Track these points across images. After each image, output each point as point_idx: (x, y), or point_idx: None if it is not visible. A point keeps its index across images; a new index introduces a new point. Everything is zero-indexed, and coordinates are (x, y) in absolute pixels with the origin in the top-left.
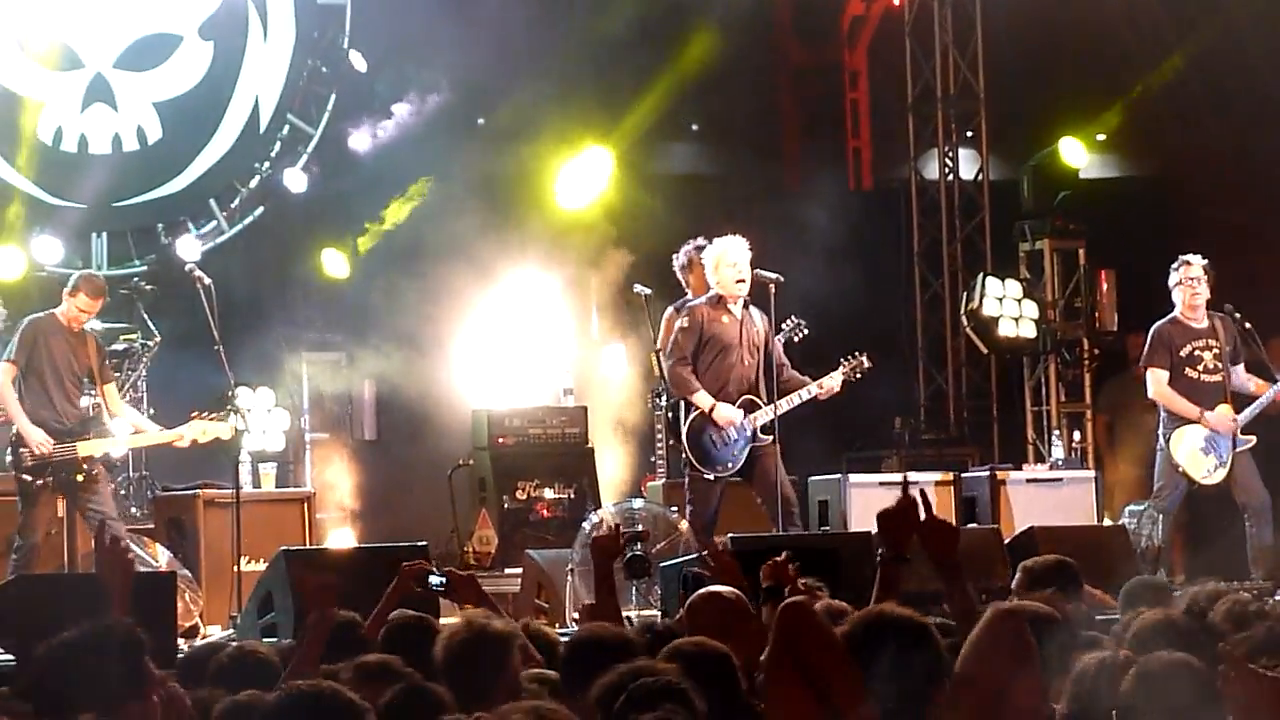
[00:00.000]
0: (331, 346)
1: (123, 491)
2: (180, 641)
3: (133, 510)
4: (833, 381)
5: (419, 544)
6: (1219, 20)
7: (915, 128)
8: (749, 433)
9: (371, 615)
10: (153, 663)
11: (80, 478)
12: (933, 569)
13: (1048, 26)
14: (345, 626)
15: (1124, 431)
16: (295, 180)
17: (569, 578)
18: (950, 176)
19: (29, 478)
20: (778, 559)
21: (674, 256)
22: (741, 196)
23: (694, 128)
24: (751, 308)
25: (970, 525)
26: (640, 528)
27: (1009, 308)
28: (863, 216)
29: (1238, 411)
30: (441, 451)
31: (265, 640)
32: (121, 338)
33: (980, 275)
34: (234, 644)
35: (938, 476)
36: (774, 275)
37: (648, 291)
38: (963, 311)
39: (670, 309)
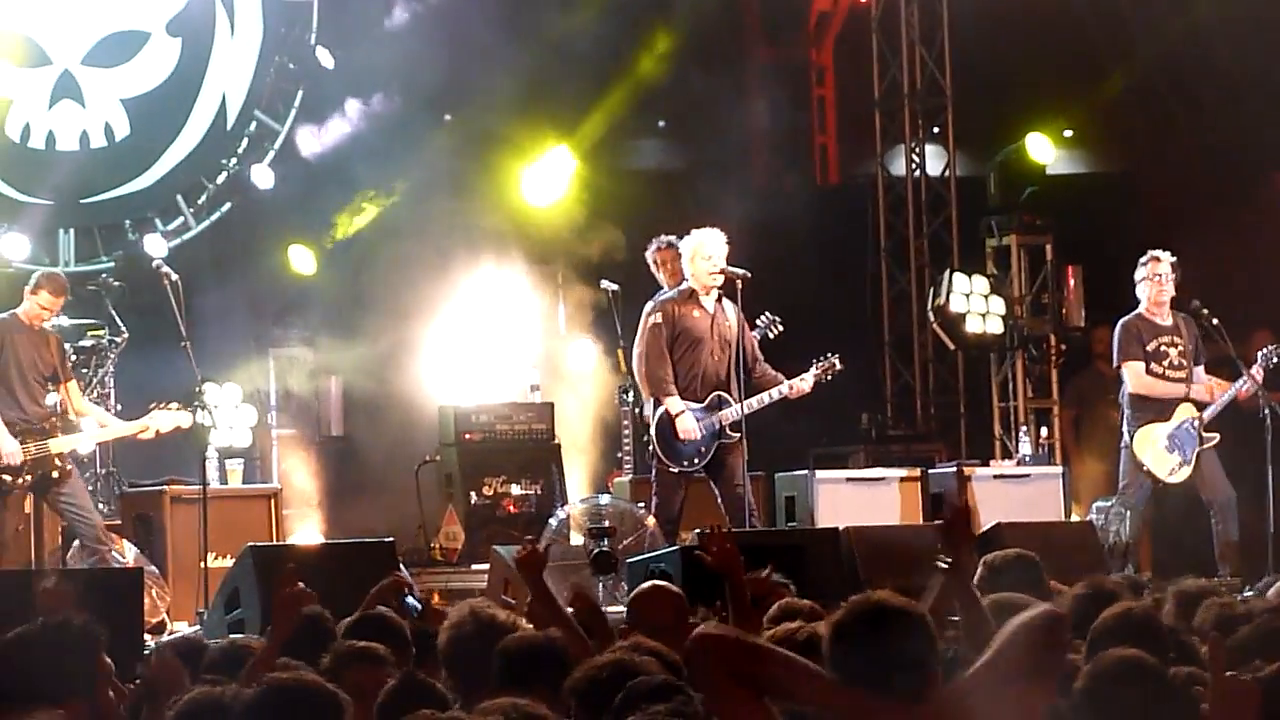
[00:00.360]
0: (298, 342)
1: (90, 488)
2: (147, 638)
3: (100, 507)
4: (803, 383)
5: (386, 540)
6: (1186, 16)
7: (882, 124)
8: (717, 428)
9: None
10: (115, 658)
11: (55, 474)
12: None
13: (1014, 23)
14: (312, 621)
15: (1091, 427)
16: (262, 177)
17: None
18: (917, 172)
19: (8, 478)
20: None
21: (647, 252)
22: (708, 192)
23: (661, 124)
24: (724, 301)
25: (937, 521)
26: (607, 524)
27: (976, 303)
28: (829, 212)
29: (1199, 410)
30: (408, 447)
31: (233, 636)
32: (89, 334)
33: (947, 271)
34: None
35: (904, 472)
36: (741, 271)
37: (614, 287)
38: (930, 307)
39: (650, 304)
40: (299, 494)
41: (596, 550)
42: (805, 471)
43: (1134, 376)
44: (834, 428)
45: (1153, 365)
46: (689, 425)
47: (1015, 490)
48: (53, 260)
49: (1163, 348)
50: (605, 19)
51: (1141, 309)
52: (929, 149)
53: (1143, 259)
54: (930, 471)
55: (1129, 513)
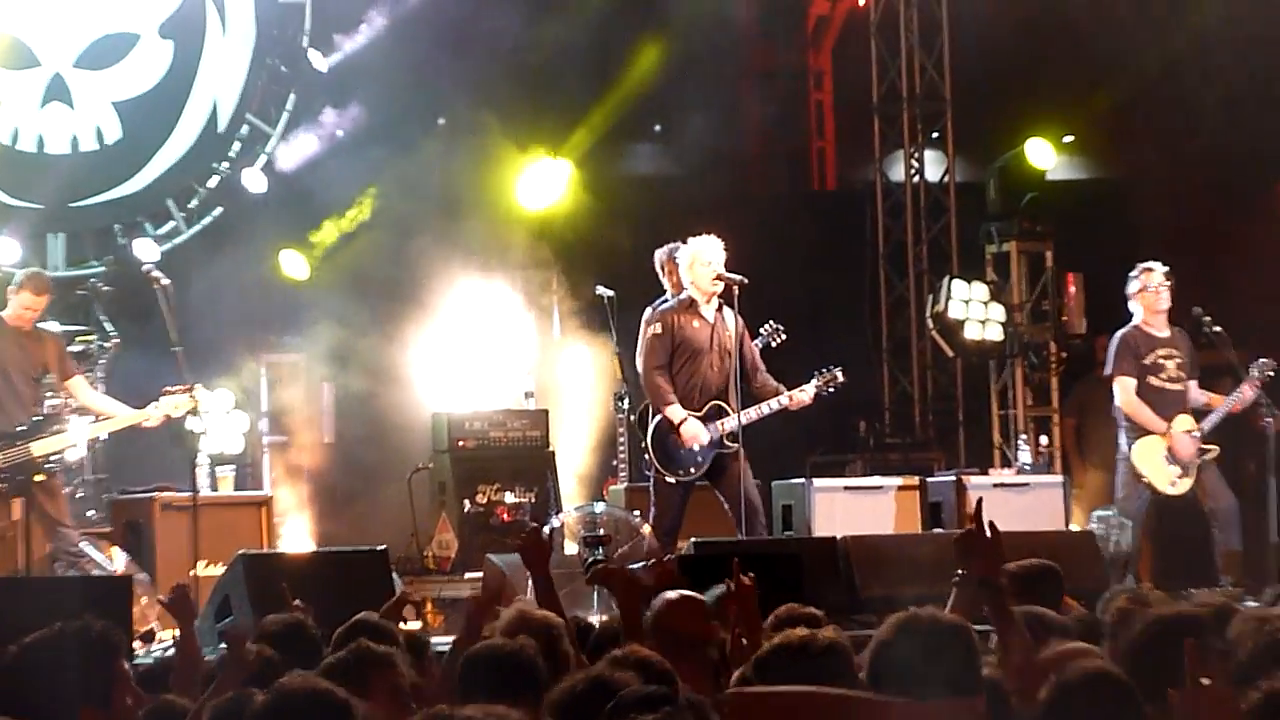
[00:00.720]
0: (290, 348)
1: (80, 494)
2: (136, 645)
3: (89, 513)
4: (804, 395)
5: (378, 548)
6: (1188, 22)
7: (880, 129)
8: (716, 437)
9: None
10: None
11: (39, 477)
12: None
13: (1015, 27)
14: (294, 628)
15: (1093, 436)
16: (254, 181)
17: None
18: (916, 178)
19: None
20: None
21: (655, 255)
22: (705, 198)
23: (657, 129)
24: (725, 310)
25: (936, 530)
26: (602, 532)
27: (975, 310)
28: (827, 218)
29: (1198, 419)
30: (401, 454)
31: (222, 646)
32: (79, 339)
33: (946, 278)
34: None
35: (901, 481)
36: (738, 277)
37: (610, 293)
38: (928, 314)
39: (649, 310)
40: (290, 502)
41: (591, 559)
42: (802, 480)
43: (1122, 392)
44: (831, 436)
45: (1150, 378)
46: (693, 430)
47: (1015, 499)
48: (42, 265)
49: (1160, 360)
50: (601, 22)
51: (1138, 320)
52: (928, 154)
53: (1134, 271)
54: (928, 480)
55: (1129, 523)
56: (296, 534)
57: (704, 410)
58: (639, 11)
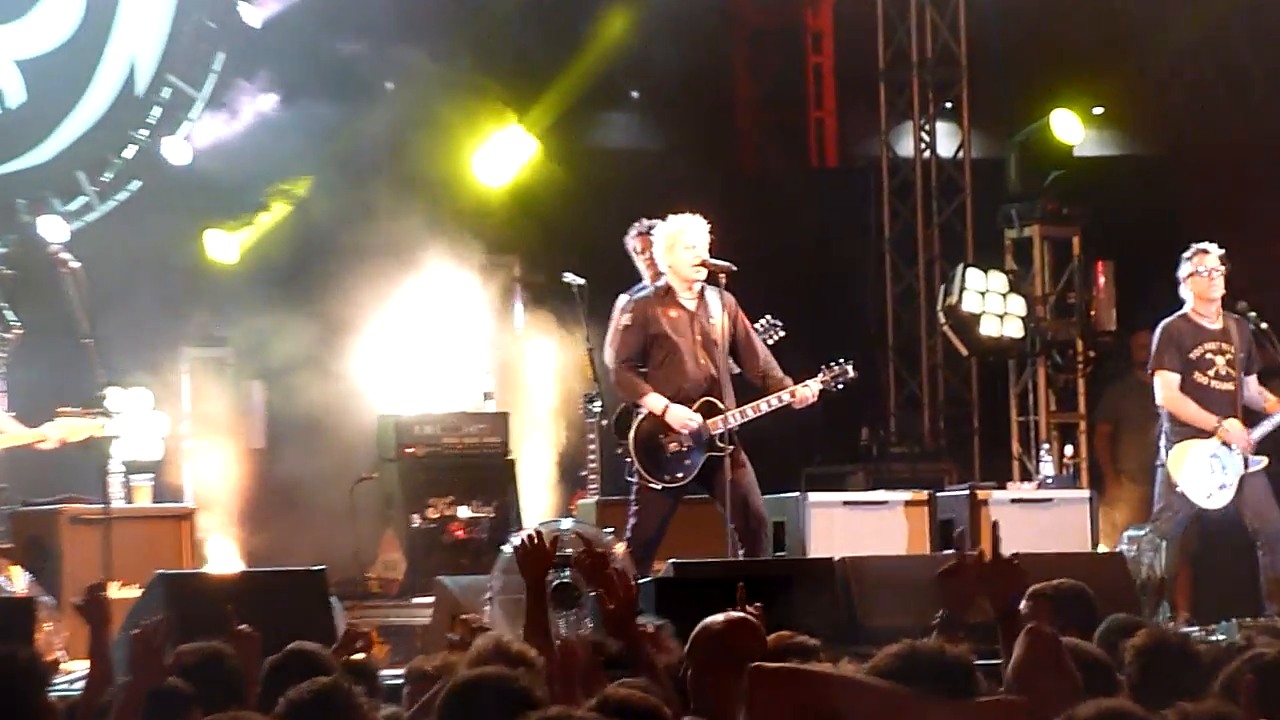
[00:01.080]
0: (217, 341)
1: None
2: None
3: None
4: (808, 390)
5: (315, 569)
6: None
7: (887, 98)
8: (705, 438)
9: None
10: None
11: None
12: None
13: None
14: (213, 658)
15: (1129, 444)
16: (176, 151)
17: (487, 608)
18: (927, 153)
19: None
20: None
21: (626, 238)
22: (688, 174)
23: (634, 95)
24: (707, 294)
25: (947, 552)
26: (569, 552)
27: (993, 303)
28: (827, 198)
29: (1248, 427)
30: (342, 463)
31: None
32: None
33: (960, 266)
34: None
35: (909, 495)
36: (724, 264)
37: (580, 281)
38: (940, 307)
39: (624, 297)
40: (216, 515)
41: (557, 581)
42: (796, 494)
43: (1164, 388)
44: (829, 444)
45: (1195, 374)
46: (682, 415)
47: (1036, 517)
48: None
49: (1208, 355)
50: None
51: (1187, 309)
52: (940, 127)
53: (1187, 253)
54: (939, 495)
55: (1165, 543)
56: (222, 552)
57: (695, 409)
58: None
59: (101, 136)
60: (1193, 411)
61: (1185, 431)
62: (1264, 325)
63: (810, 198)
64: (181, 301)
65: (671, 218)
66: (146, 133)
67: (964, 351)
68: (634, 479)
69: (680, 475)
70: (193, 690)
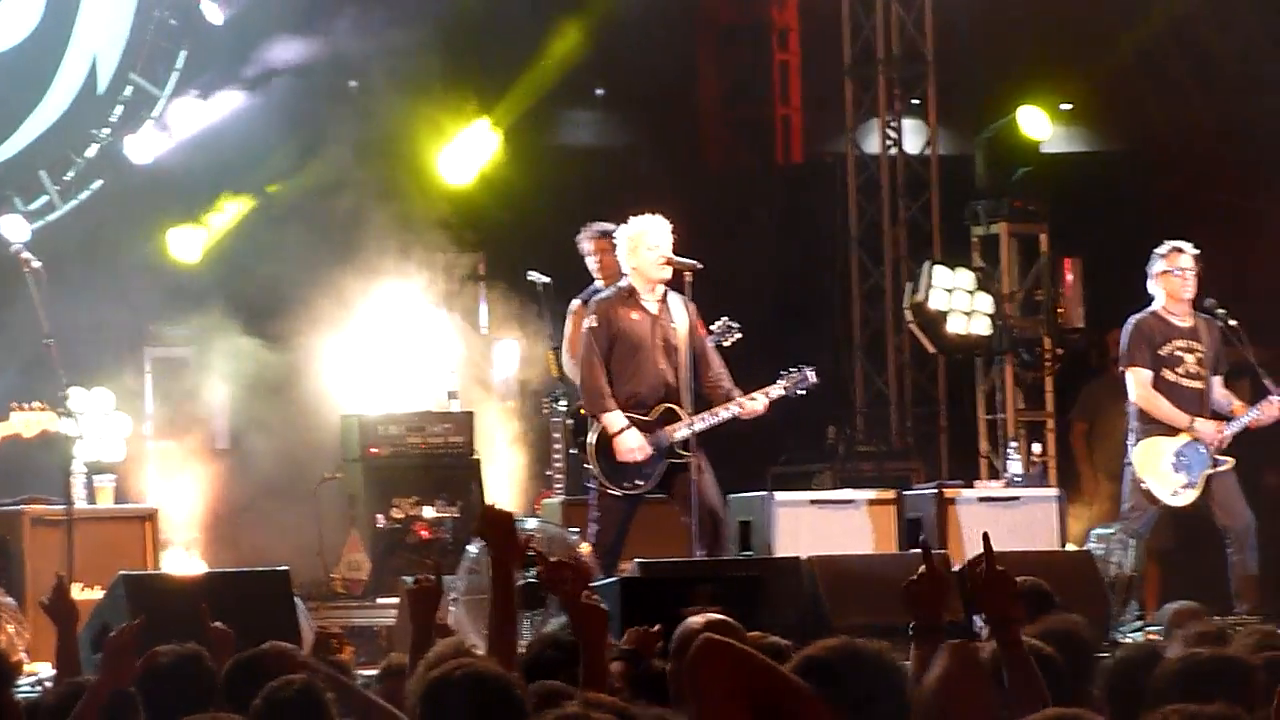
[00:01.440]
0: (179, 341)
1: None
2: None
3: None
4: (755, 403)
5: (279, 569)
6: None
7: (853, 94)
8: (665, 445)
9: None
10: None
11: None
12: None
13: None
14: (189, 660)
15: (1105, 442)
16: (139, 150)
17: (452, 608)
18: (893, 150)
19: None
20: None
21: (577, 240)
22: (654, 171)
23: (599, 92)
24: (672, 297)
25: (914, 550)
26: (534, 552)
27: (959, 301)
28: (792, 195)
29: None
30: (305, 463)
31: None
32: None
33: (927, 263)
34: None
35: (875, 494)
36: (690, 262)
37: (545, 280)
38: (906, 305)
39: (576, 301)
40: (179, 516)
41: (522, 582)
42: (762, 493)
43: (1137, 386)
44: (796, 442)
45: (1165, 372)
46: (630, 443)
47: (1004, 515)
48: None
49: (1178, 352)
50: None
51: (1157, 306)
52: (907, 123)
53: (1160, 249)
54: (906, 493)
55: (1133, 541)
56: (185, 553)
57: (654, 414)
58: None
59: (63, 135)
60: (1165, 409)
61: (1152, 429)
62: (1233, 322)
63: (776, 195)
64: (144, 301)
65: (633, 219)
66: (108, 131)
67: (931, 349)
68: (593, 485)
69: (640, 483)
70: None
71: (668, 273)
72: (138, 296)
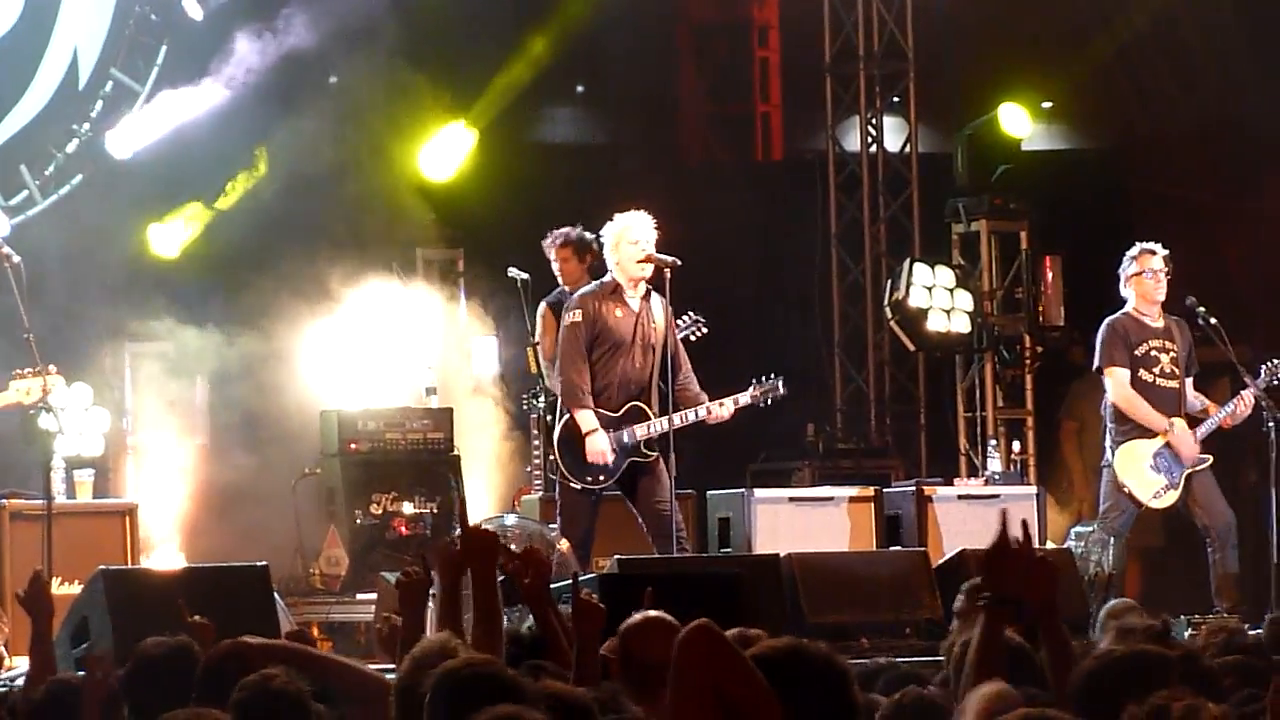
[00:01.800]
0: (159, 336)
1: None
2: None
3: None
4: (722, 410)
5: (258, 564)
6: None
7: (833, 91)
8: (630, 444)
9: None
10: None
11: None
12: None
13: None
14: (179, 652)
15: (1095, 441)
16: (119, 144)
17: (431, 605)
18: (873, 147)
19: None
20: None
21: (543, 244)
22: (633, 168)
23: (579, 89)
24: (654, 297)
25: (893, 548)
26: (514, 547)
27: (939, 298)
28: (772, 192)
29: (1191, 427)
30: (284, 458)
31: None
32: None
33: (907, 261)
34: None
35: (855, 492)
36: (669, 259)
37: (524, 276)
38: (886, 303)
39: (543, 304)
40: (158, 511)
41: (501, 577)
42: (741, 490)
43: (1116, 386)
44: (775, 440)
45: (1141, 372)
46: (598, 447)
47: (983, 513)
48: None
49: (1153, 352)
50: None
51: (1129, 308)
52: (887, 121)
53: (1131, 252)
54: (885, 491)
55: (1112, 539)
56: (164, 548)
57: (622, 411)
58: None
59: (44, 130)
60: (1144, 410)
61: (1130, 431)
62: (1213, 320)
63: (756, 192)
64: (123, 296)
65: (617, 216)
66: (89, 126)
67: (911, 347)
68: (555, 477)
69: (602, 478)
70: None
71: (647, 270)
72: (118, 291)
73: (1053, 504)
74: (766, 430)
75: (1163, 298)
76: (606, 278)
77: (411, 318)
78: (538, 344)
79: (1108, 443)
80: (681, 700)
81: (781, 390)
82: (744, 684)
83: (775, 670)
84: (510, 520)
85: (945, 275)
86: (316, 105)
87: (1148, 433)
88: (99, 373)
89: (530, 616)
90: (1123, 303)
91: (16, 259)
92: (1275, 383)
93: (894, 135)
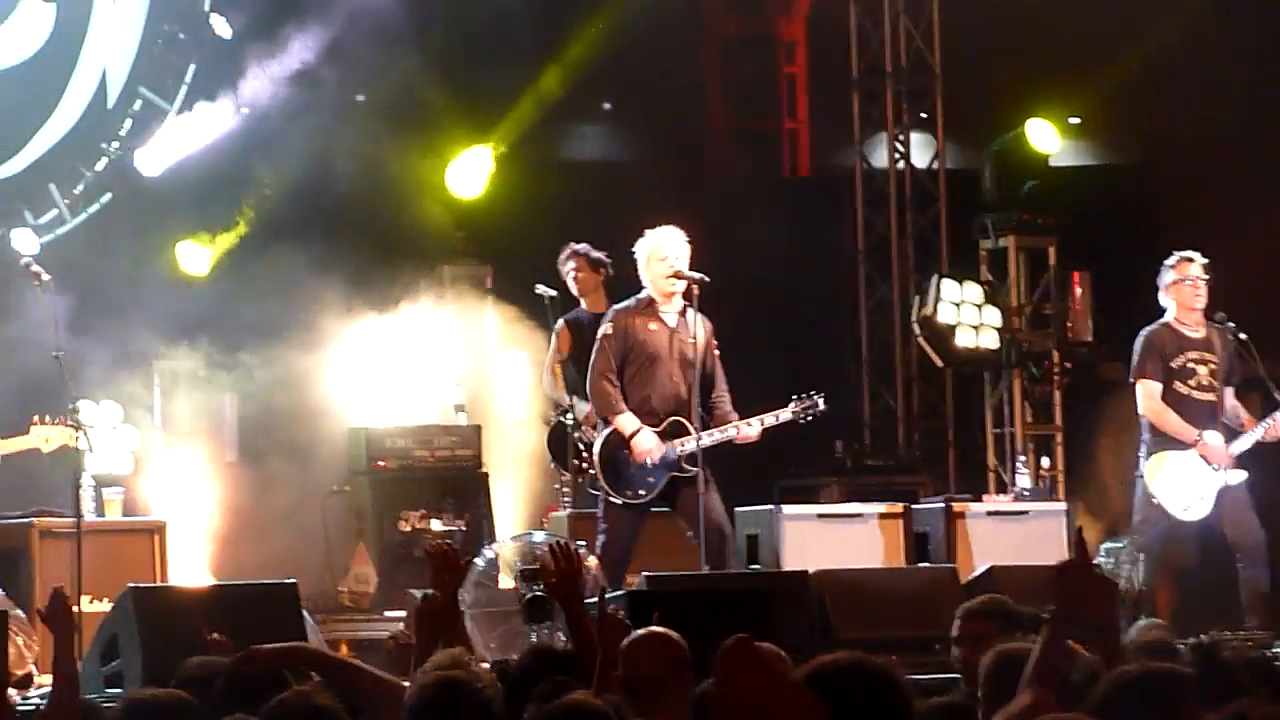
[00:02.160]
0: (188, 354)
1: None
2: (12, 693)
3: None
4: (751, 430)
5: (287, 581)
6: None
7: (861, 107)
8: (673, 458)
9: None
10: None
11: None
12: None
13: None
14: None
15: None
16: (148, 163)
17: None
18: (901, 164)
19: None
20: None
21: (558, 262)
22: (660, 185)
23: (606, 106)
24: (689, 313)
25: (922, 565)
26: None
27: (968, 314)
28: (800, 209)
29: (1226, 440)
30: (313, 475)
31: (109, 691)
32: None
33: (935, 277)
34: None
35: (883, 508)
36: (697, 276)
37: (552, 293)
38: (914, 319)
39: (560, 322)
40: (187, 528)
41: (529, 595)
42: (769, 506)
43: (1146, 398)
44: (803, 456)
45: (1176, 384)
46: (646, 443)
47: (1012, 529)
48: None
49: (1190, 364)
50: None
51: (1168, 318)
52: (915, 137)
53: (1169, 260)
54: (914, 508)
55: (1143, 555)
56: (193, 566)
57: (663, 426)
58: None
59: (73, 148)
60: (1174, 423)
61: (1163, 442)
62: (1243, 336)
63: (783, 209)
64: (153, 314)
65: (649, 231)
66: (118, 145)
67: (939, 363)
68: (598, 493)
69: (643, 492)
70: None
71: (677, 286)
72: (147, 310)
73: (1084, 515)
74: (795, 446)
75: (1203, 305)
76: (642, 293)
77: (440, 335)
78: (563, 360)
79: (1141, 453)
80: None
81: (821, 406)
82: (787, 700)
83: (836, 684)
84: (539, 538)
85: (973, 291)
86: (344, 124)
87: (1181, 444)
88: (128, 391)
89: (562, 632)
90: (1156, 315)
91: (47, 277)
92: None
93: (921, 151)
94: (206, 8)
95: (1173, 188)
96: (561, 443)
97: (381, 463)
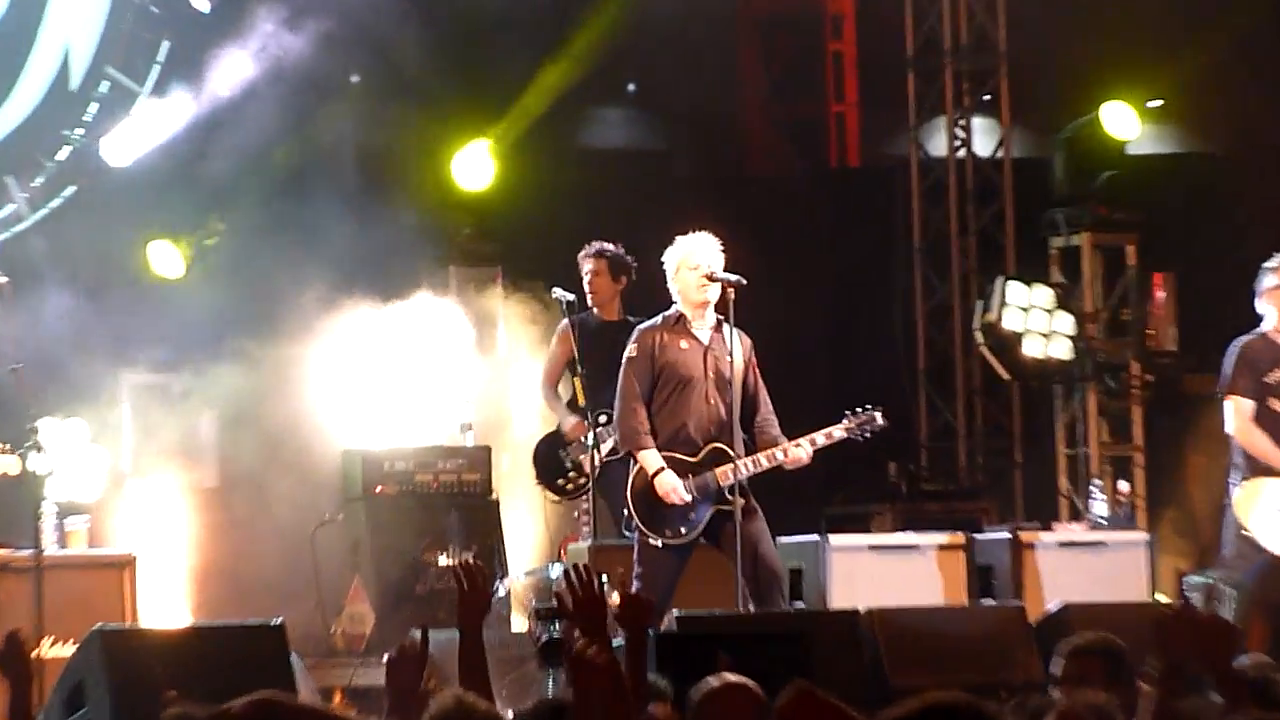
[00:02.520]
0: (162, 367)
1: None
2: None
3: None
4: (800, 451)
5: (273, 622)
6: None
7: (916, 90)
8: (714, 489)
9: None
10: None
11: None
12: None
13: None
14: None
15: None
16: (116, 152)
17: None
18: (961, 152)
19: None
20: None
21: (579, 258)
22: (691, 176)
23: (631, 89)
24: (726, 328)
25: (986, 603)
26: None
27: (1036, 321)
28: (848, 202)
29: None
30: (303, 503)
31: None
32: None
33: (1000, 279)
34: None
35: (943, 538)
36: (733, 278)
37: (570, 297)
38: (977, 326)
39: (565, 321)
40: (161, 562)
41: (546, 637)
42: (815, 537)
43: (1235, 417)
44: (852, 480)
45: (1271, 401)
46: (668, 484)
47: (1088, 562)
48: None
49: None
50: None
51: (1266, 328)
52: (976, 122)
53: (1270, 263)
54: (976, 538)
55: (1235, 591)
56: (168, 604)
57: (701, 455)
58: None
59: (32, 136)
60: (1261, 445)
61: (1257, 467)
62: None
63: (829, 203)
64: (122, 321)
65: (678, 239)
66: (82, 132)
67: (1005, 375)
68: (633, 534)
69: (684, 530)
70: None
71: (712, 293)
72: (115, 316)
73: (1168, 546)
74: (843, 469)
75: None
76: (670, 310)
77: (444, 346)
78: (584, 372)
79: (1231, 479)
80: None
81: (880, 421)
82: None
83: None
84: (556, 572)
85: (1043, 295)
86: (337, 108)
87: (1277, 470)
88: (95, 407)
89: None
90: (1255, 321)
91: (3, 279)
92: None
93: (984, 138)
94: None
95: (1265, 178)
96: (548, 458)
97: (380, 488)
